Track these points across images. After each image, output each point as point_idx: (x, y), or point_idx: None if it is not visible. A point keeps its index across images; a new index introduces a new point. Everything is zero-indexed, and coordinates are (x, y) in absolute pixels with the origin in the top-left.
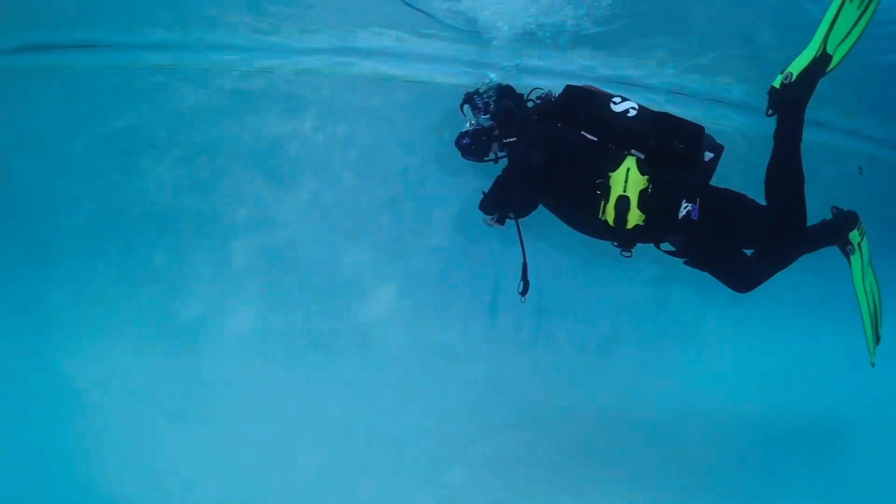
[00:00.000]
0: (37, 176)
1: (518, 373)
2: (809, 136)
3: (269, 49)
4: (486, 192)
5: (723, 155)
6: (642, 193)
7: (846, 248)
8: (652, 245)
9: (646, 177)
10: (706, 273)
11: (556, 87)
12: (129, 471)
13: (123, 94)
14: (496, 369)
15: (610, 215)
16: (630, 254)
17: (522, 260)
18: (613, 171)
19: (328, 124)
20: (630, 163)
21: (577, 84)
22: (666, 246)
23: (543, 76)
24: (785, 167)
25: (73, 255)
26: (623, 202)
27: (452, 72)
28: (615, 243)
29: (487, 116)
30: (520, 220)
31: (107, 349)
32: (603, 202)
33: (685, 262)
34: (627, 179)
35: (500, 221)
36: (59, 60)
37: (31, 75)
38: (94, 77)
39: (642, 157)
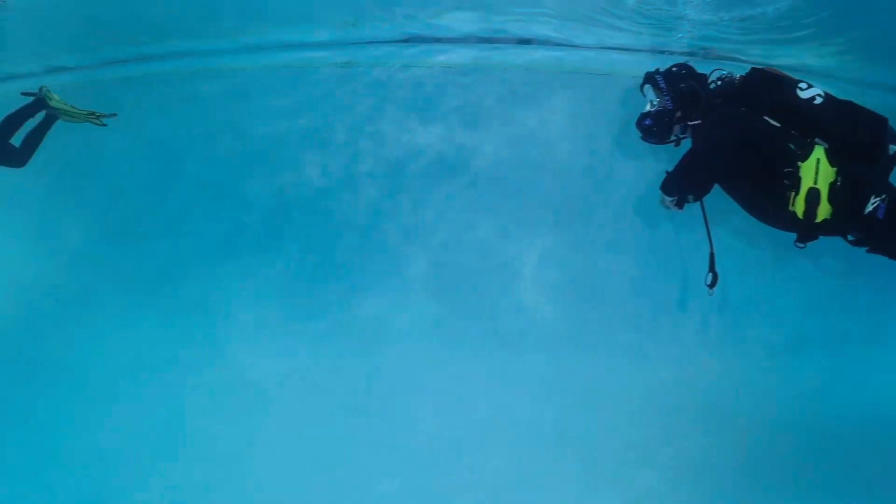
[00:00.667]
0: (210, 175)
1: (706, 374)
2: None
3: (444, 42)
4: (670, 172)
5: None
6: (832, 186)
7: None
8: (831, 238)
9: (835, 169)
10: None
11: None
12: (308, 466)
13: (294, 94)
14: (684, 370)
15: (800, 208)
16: (804, 246)
17: (710, 250)
18: (803, 161)
19: (507, 121)
20: (819, 153)
21: (762, 67)
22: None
23: (723, 63)
24: None
25: (250, 251)
26: (814, 195)
27: (633, 61)
28: (797, 235)
29: (669, 98)
30: (706, 209)
31: (286, 345)
32: (793, 193)
33: (868, 251)
34: (818, 171)
35: (679, 205)
36: (227, 62)
37: (201, 77)
38: (263, 76)
39: (826, 146)
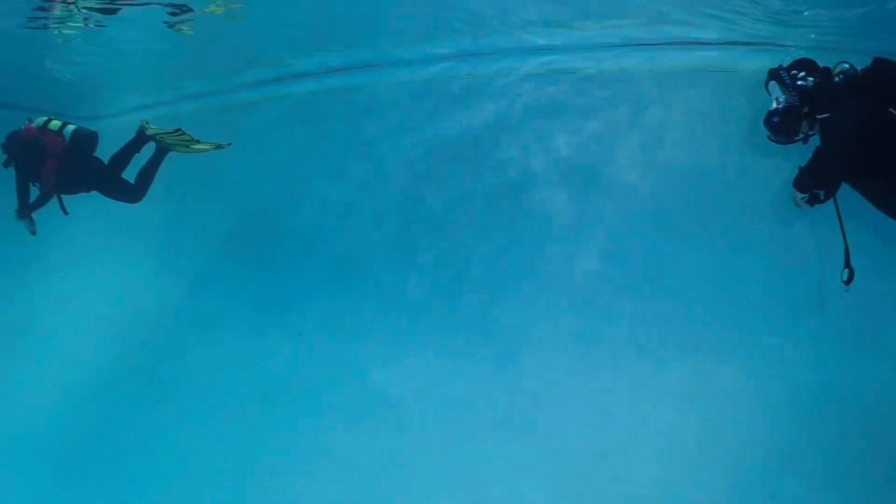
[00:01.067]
0: (337, 194)
1: (847, 378)
2: None
3: (574, 49)
4: (802, 167)
5: None
6: None
7: None
8: None
9: None
10: None
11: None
12: (451, 482)
13: (417, 108)
14: (825, 374)
15: None
16: None
17: (844, 246)
18: None
19: (635, 124)
20: None
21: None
22: None
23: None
24: None
25: (382, 268)
26: None
27: (756, 57)
28: None
29: (795, 94)
30: (839, 204)
31: (423, 360)
32: None
33: None
34: None
35: (811, 202)
36: (347, 81)
37: (322, 97)
38: (385, 93)
39: None
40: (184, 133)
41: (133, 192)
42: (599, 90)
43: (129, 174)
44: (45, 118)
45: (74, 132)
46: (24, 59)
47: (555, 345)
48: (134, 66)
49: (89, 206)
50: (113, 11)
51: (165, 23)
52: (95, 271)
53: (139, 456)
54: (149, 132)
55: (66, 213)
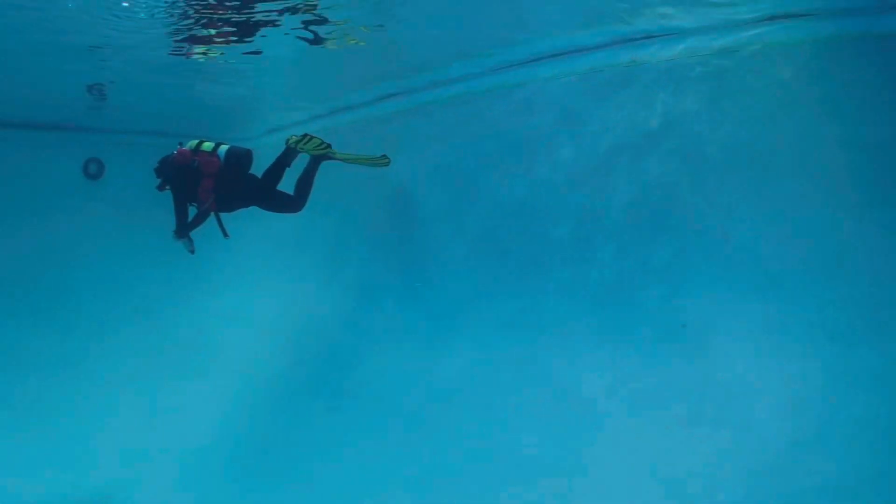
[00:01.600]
0: (507, 193)
1: None
2: None
3: (729, 27)
4: None
5: None
6: None
7: None
8: None
9: None
10: None
11: None
12: (643, 480)
13: (580, 101)
14: None
15: None
16: None
17: None
18: None
19: (803, 99)
20: None
21: None
22: None
23: None
24: None
25: (562, 265)
26: None
27: None
28: None
29: None
30: None
31: (610, 355)
32: None
33: None
34: None
35: None
36: (503, 80)
37: (488, 96)
38: (544, 88)
39: None
40: (313, 138)
41: (294, 203)
42: (765, 66)
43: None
44: (197, 140)
45: (228, 151)
46: (172, 88)
47: (743, 333)
48: (282, 84)
49: (251, 224)
50: (247, 40)
51: (305, 39)
52: (262, 286)
53: (317, 465)
54: (290, 143)
55: (226, 236)
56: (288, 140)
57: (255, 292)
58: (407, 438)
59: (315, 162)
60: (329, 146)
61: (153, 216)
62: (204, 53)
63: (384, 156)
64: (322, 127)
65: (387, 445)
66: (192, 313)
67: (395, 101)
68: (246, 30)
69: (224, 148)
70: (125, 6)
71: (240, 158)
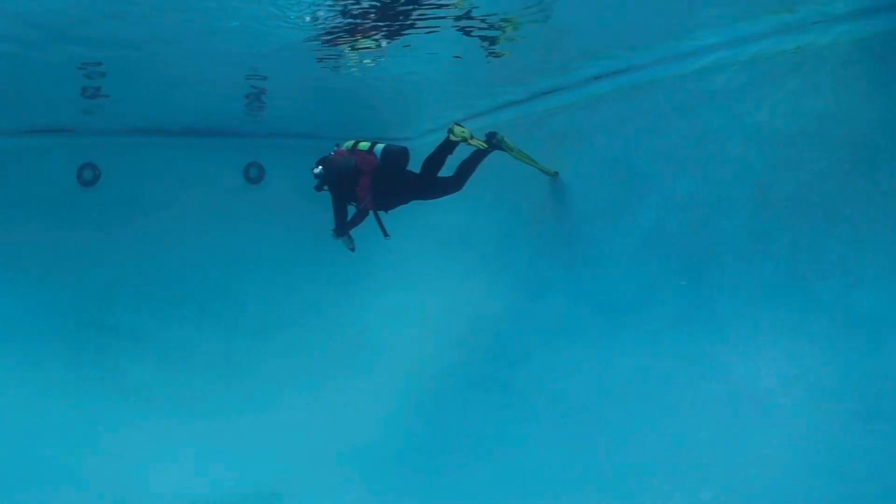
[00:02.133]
0: (678, 186)
1: None
2: None
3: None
4: None
5: None
6: None
7: None
8: None
9: None
10: None
11: None
12: (821, 476)
13: (753, 89)
14: None
15: None
16: None
17: None
18: None
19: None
20: None
21: None
22: None
23: None
24: None
25: (735, 258)
26: None
27: None
28: None
29: None
30: None
31: (786, 350)
32: None
33: None
34: None
35: None
36: (682, 68)
37: (656, 87)
38: (710, 78)
39: None
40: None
41: (453, 185)
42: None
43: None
44: (353, 141)
45: (385, 149)
46: (329, 92)
47: None
48: (440, 83)
49: (414, 222)
50: (404, 34)
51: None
52: (427, 283)
53: (487, 463)
54: (454, 137)
55: (386, 235)
56: (450, 129)
57: (420, 290)
58: (579, 436)
59: (483, 153)
60: (490, 147)
61: (314, 217)
62: (358, 56)
63: (556, 173)
64: (485, 124)
65: (558, 443)
66: (356, 312)
67: (558, 96)
68: (402, 30)
69: (380, 147)
70: (292, 11)
71: (396, 156)
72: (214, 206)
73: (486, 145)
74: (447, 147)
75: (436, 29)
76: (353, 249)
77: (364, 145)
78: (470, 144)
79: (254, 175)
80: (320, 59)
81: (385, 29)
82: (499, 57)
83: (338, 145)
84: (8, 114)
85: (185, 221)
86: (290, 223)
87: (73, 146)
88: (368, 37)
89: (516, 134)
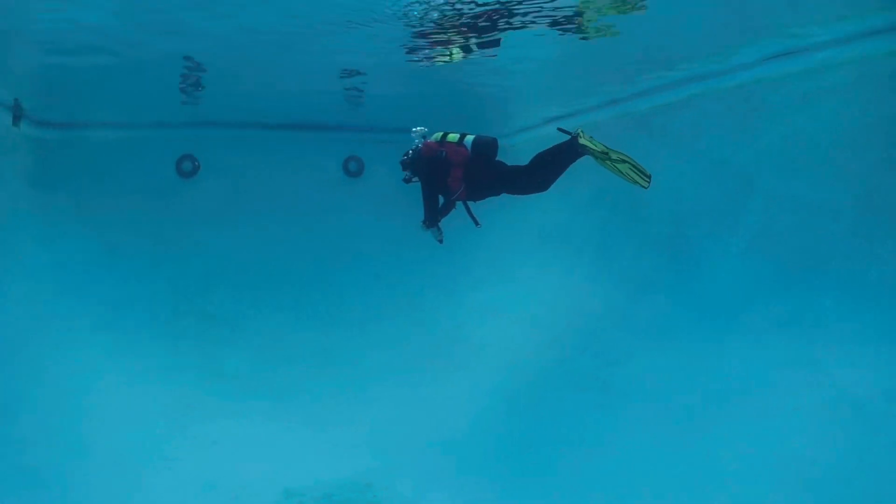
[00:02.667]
0: (785, 187)
1: None
2: None
3: None
4: None
5: None
6: None
7: None
8: None
9: None
10: None
11: None
12: None
13: (861, 91)
14: None
15: None
16: None
17: None
18: None
19: None
20: None
21: None
22: None
23: None
24: None
25: (841, 260)
26: None
27: None
28: None
29: None
30: None
31: (892, 355)
32: None
33: None
34: None
35: None
36: (787, 68)
37: (760, 87)
38: (819, 79)
39: None
40: (612, 155)
41: (543, 183)
42: None
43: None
44: (441, 132)
45: (475, 140)
46: (427, 89)
47: None
48: (539, 79)
49: (512, 218)
50: (494, 44)
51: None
52: (525, 281)
53: (583, 463)
54: (581, 140)
55: (477, 224)
56: (578, 132)
57: (518, 287)
58: (679, 439)
59: (578, 156)
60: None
61: (412, 211)
62: (449, 55)
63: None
64: (584, 121)
65: (657, 445)
66: (453, 307)
67: (661, 94)
68: (496, 30)
69: (470, 138)
70: (392, 8)
71: (487, 147)
72: (314, 198)
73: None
74: (569, 154)
75: (530, 26)
76: (441, 241)
77: (453, 137)
78: (599, 159)
79: (353, 168)
80: (417, 56)
81: (481, 28)
82: (592, 48)
83: (425, 137)
84: (111, 107)
85: (284, 213)
86: (388, 216)
87: (173, 138)
88: (464, 34)
89: (617, 132)
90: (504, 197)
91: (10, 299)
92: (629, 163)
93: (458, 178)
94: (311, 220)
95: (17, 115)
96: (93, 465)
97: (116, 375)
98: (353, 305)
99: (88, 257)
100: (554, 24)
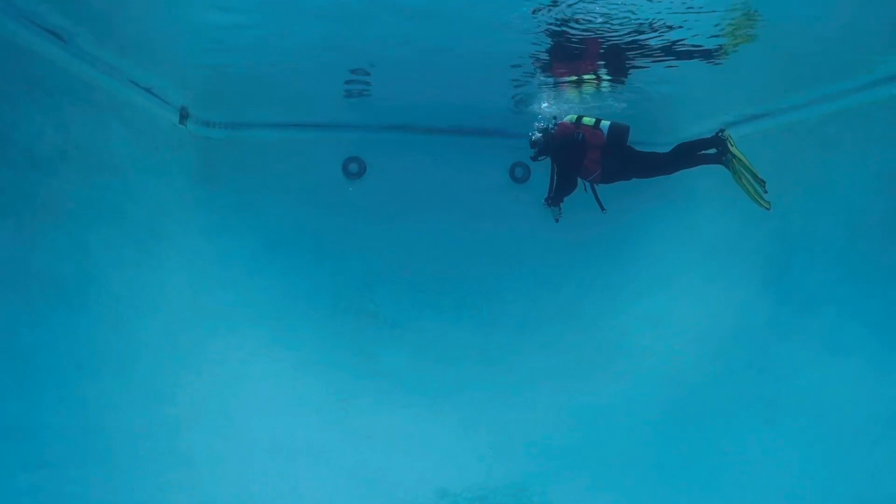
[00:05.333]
0: None
1: None
2: None
3: None
4: None
5: None
6: None
7: None
8: None
9: None
10: None
11: None
12: None
13: None
14: None
15: None
16: None
17: None
18: None
19: None
20: None
21: None
22: None
23: None
24: None
25: None
26: None
27: None
28: None
29: None
30: None
31: None
32: None
33: None
34: None
35: None
36: None
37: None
38: None
39: None
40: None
41: (671, 170)
42: None
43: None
44: (575, 115)
45: (612, 126)
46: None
47: None
48: (695, 91)
49: (678, 226)
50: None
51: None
52: (689, 291)
53: (748, 478)
54: (725, 138)
55: (603, 209)
56: (723, 133)
57: (682, 297)
58: (846, 458)
59: (716, 160)
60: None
61: (577, 219)
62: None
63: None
64: (747, 132)
65: (826, 464)
66: (615, 316)
67: (828, 103)
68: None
69: (606, 123)
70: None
71: (622, 133)
72: (478, 203)
73: (753, 186)
74: (710, 148)
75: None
76: (558, 220)
77: (588, 120)
78: (734, 164)
79: (520, 175)
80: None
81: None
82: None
83: (555, 118)
84: (278, 108)
85: (448, 216)
86: (552, 223)
87: (340, 140)
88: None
89: (787, 142)
90: (670, 207)
91: (173, 289)
92: (757, 181)
93: (597, 160)
94: (476, 223)
95: (184, 115)
96: (245, 452)
97: (273, 367)
98: (513, 310)
99: (251, 252)
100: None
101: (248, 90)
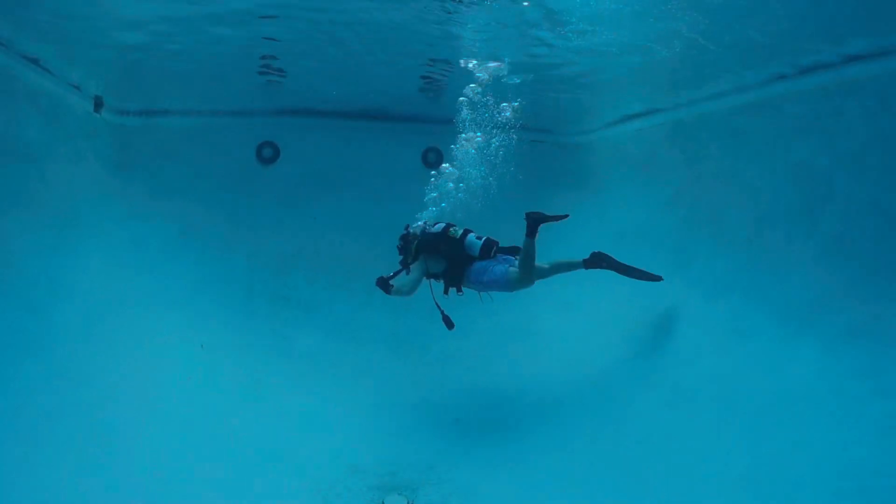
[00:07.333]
0: (862, 192)
1: None
2: None
3: None
4: None
5: None
6: None
7: None
8: None
9: None
10: None
11: None
12: None
13: None
14: None
15: None
16: None
17: None
18: None
19: None
20: None
21: None
22: None
23: None
24: None
25: None
26: None
27: None
28: None
29: None
30: None
31: None
32: None
33: None
34: None
35: None
36: (871, 70)
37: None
38: None
39: None
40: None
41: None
42: None
43: None
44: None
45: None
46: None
47: None
48: (619, 77)
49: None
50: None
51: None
52: (598, 276)
53: (650, 461)
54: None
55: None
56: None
57: (591, 282)
58: (746, 442)
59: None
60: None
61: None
62: None
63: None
64: (665, 120)
65: (725, 447)
66: (524, 299)
67: (736, 96)
68: None
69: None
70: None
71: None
72: (391, 188)
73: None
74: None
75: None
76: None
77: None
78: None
79: (432, 160)
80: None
81: None
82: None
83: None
84: (191, 95)
85: (361, 201)
86: (461, 210)
87: (254, 125)
88: None
89: (696, 133)
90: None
91: (89, 274)
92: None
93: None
94: (388, 208)
95: (99, 103)
96: (160, 432)
97: (188, 350)
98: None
99: (165, 237)
100: None
101: (161, 79)
